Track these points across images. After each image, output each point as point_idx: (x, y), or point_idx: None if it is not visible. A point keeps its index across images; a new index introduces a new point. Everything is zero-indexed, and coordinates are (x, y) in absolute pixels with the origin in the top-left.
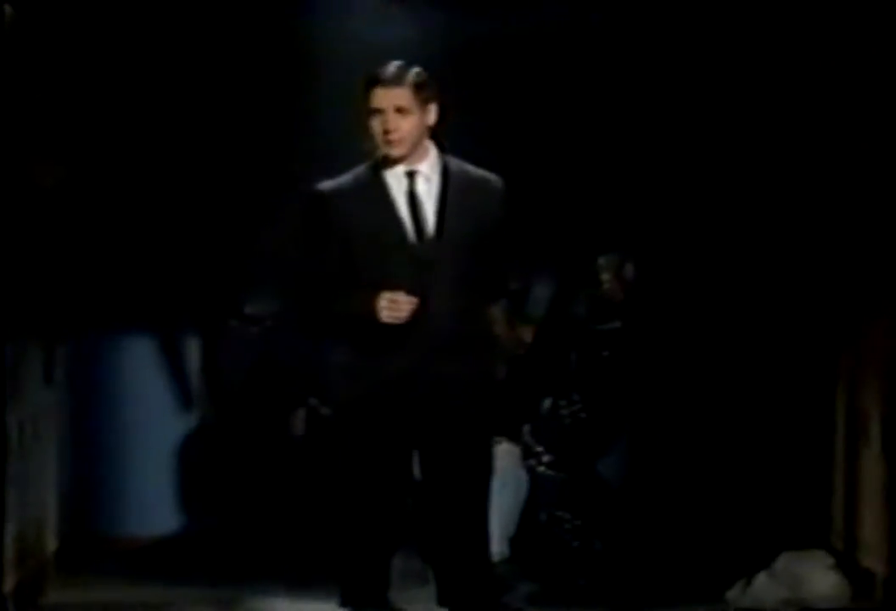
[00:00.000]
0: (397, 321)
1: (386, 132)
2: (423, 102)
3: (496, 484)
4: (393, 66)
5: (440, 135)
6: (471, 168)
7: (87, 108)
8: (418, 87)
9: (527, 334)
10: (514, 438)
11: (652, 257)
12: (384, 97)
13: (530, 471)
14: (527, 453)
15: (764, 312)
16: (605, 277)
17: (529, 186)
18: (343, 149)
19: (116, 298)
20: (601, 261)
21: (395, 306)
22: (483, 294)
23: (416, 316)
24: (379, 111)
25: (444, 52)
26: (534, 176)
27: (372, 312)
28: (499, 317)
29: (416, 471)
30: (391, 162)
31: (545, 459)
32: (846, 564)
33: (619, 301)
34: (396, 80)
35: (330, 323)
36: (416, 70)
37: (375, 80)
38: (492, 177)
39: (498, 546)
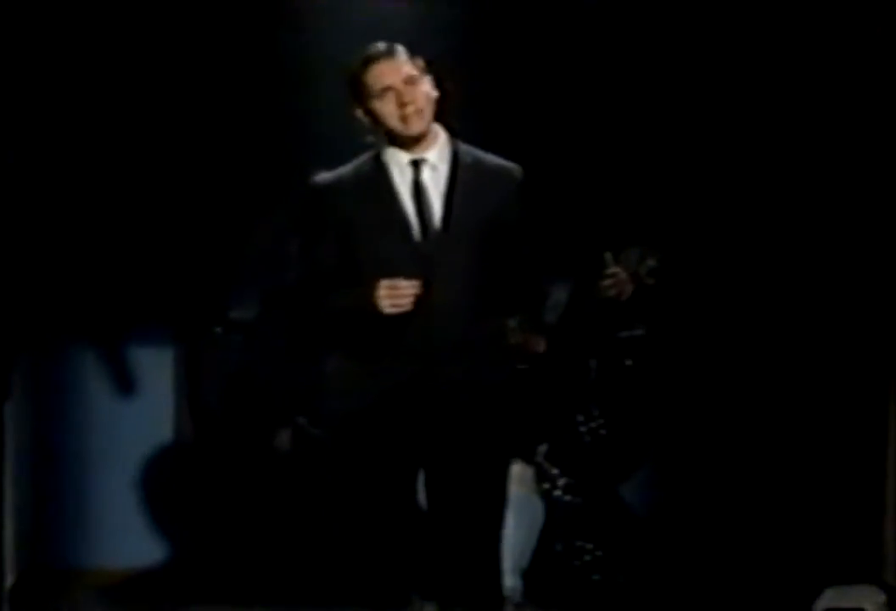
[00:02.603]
0: (401, 310)
1: (403, 105)
2: (422, 73)
3: (509, 510)
4: (380, 44)
5: (449, 118)
6: (485, 156)
7: (51, 90)
8: (412, 58)
9: (540, 343)
10: (528, 458)
11: (680, 254)
12: (389, 72)
13: (545, 496)
14: (541, 476)
15: (808, 321)
16: (610, 271)
17: (548, 177)
18: (342, 139)
19: (83, 302)
20: (607, 256)
21: (395, 293)
22: (498, 298)
23: (420, 316)
24: (388, 88)
25: (454, 32)
26: (552, 166)
27: (372, 306)
28: (512, 324)
29: (422, 497)
30: (398, 146)
31: (561, 482)
32: None
33: (623, 299)
34: (391, 53)
35: (324, 326)
36: (402, 47)
37: (374, 58)
38: (509, 165)
39: (510, 580)
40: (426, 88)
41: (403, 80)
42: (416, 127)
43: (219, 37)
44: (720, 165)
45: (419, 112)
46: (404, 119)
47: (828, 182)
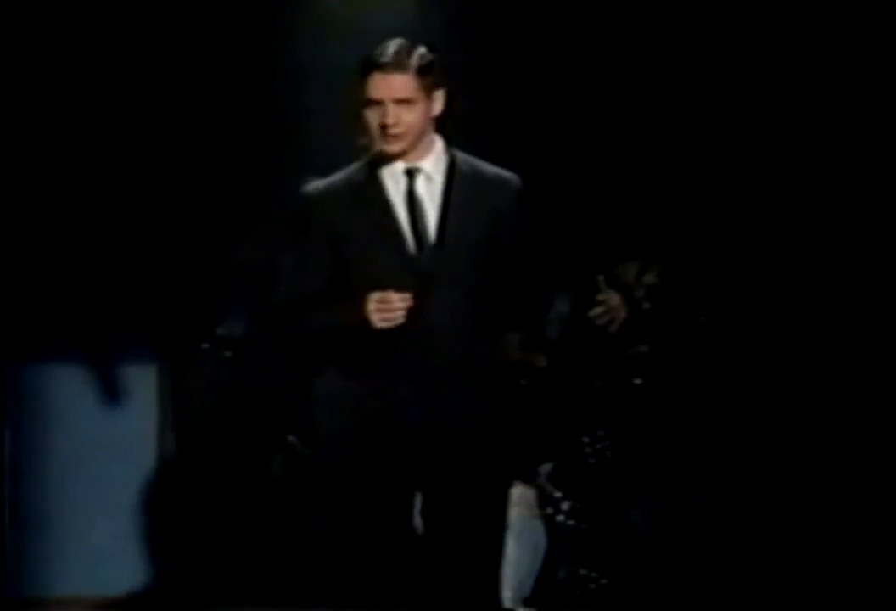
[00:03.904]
0: (392, 324)
1: (384, 127)
2: (429, 90)
3: (508, 536)
4: (393, 48)
5: (446, 126)
6: (483, 165)
7: (30, 98)
8: (423, 72)
9: (541, 360)
10: (530, 481)
11: (683, 266)
12: (383, 86)
13: (547, 520)
14: (543, 500)
15: (824, 337)
16: (601, 297)
17: (549, 187)
18: (334, 145)
19: (65, 315)
20: (599, 279)
21: (386, 307)
22: (496, 313)
23: (416, 332)
24: (376, 102)
25: (450, 32)
26: (553, 176)
27: (363, 321)
28: (512, 340)
29: (417, 521)
30: (389, 158)
31: (564, 506)
32: None
33: (614, 327)
34: (397, 66)
35: (315, 342)
36: (420, 51)
37: (372, 65)
38: (508, 175)
39: (511, 608)
40: (420, 111)
41: (395, 100)
42: (393, 148)
43: (208, 44)
44: (723, 176)
45: (400, 136)
46: (384, 138)
47: (836, 187)
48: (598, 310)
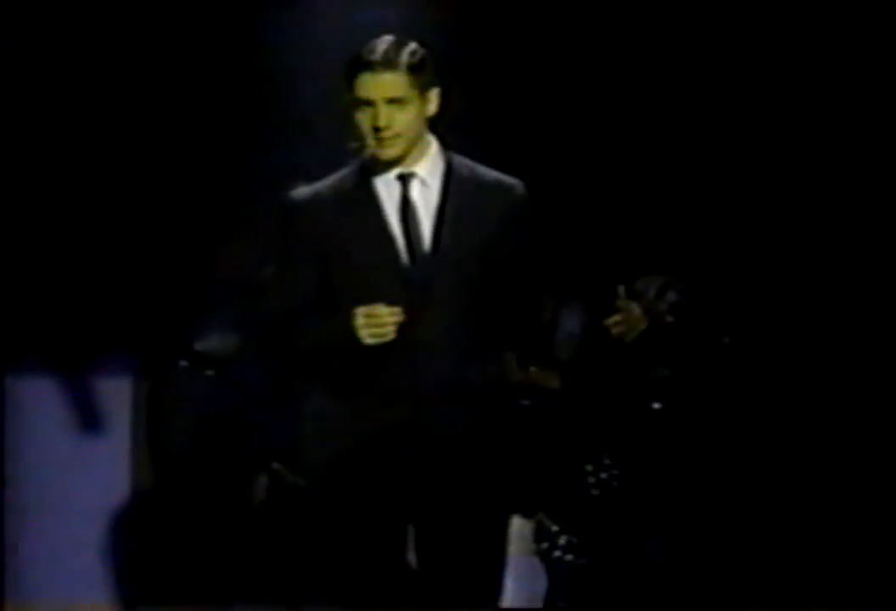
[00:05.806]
0: (382, 340)
1: (377, 129)
2: (422, 89)
3: (507, 573)
4: (383, 45)
5: (442, 128)
6: (483, 170)
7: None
8: (415, 70)
9: (551, 380)
10: (530, 515)
11: (707, 283)
12: (373, 86)
13: (544, 557)
14: (540, 534)
15: (858, 363)
16: (619, 305)
17: (554, 193)
18: (324, 150)
19: (33, 329)
20: (619, 289)
21: (375, 322)
22: (496, 330)
23: (408, 351)
24: (367, 103)
25: (446, 28)
26: (558, 181)
27: (351, 337)
28: (513, 358)
29: (411, 555)
30: (382, 163)
31: (562, 541)
32: None
33: (628, 339)
34: (388, 64)
35: (301, 361)
36: (411, 48)
37: (362, 64)
38: (511, 181)
39: None
40: (414, 112)
41: (387, 99)
42: (388, 153)
43: (192, 49)
44: (749, 190)
45: (395, 139)
46: (377, 142)
47: (867, 204)
48: (615, 318)
